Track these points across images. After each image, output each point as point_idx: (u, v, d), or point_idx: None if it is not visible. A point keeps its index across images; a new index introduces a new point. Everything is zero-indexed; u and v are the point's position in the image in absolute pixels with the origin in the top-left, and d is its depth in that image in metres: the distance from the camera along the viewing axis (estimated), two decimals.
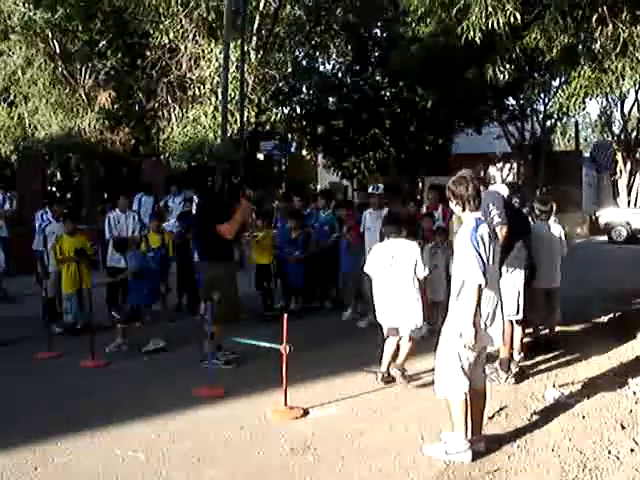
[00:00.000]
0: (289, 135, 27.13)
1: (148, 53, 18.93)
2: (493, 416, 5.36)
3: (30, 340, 8.27)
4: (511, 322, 6.49)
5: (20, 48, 18.48)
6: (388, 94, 25.96)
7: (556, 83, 22.55)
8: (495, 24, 8.05)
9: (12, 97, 19.81)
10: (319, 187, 30.14)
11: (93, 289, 8.66)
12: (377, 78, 26.04)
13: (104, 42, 19.53)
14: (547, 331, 7.72)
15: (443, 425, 4.81)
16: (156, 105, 19.76)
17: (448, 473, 4.37)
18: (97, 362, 7.15)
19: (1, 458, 4.66)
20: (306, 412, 5.55)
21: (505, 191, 7.03)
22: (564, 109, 13.76)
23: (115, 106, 19.20)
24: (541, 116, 30.13)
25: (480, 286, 4.40)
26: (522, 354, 6.97)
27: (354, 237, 9.51)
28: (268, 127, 22.92)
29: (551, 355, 7.25)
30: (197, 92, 18.52)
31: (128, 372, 6.98)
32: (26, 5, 17.57)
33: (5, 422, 5.41)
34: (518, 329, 6.75)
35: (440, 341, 4.68)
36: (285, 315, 5.61)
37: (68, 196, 24.12)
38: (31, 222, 10.56)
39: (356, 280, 9.70)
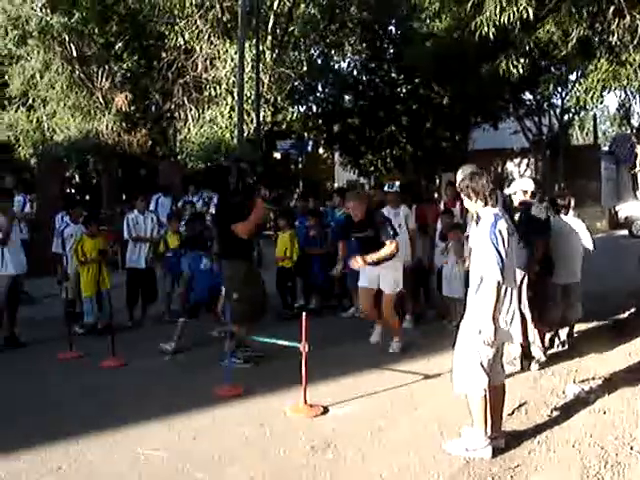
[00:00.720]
0: (305, 134, 27.18)
1: (164, 55, 19.05)
2: (513, 412, 5.35)
3: (52, 341, 8.35)
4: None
5: (38, 52, 18.65)
6: (404, 91, 25.94)
7: (573, 77, 22.38)
8: (508, 19, 8.03)
9: (31, 101, 20.00)
10: (336, 185, 30.13)
11: (113, 290, 8.76)
12: (392, 75, 26.04)
13: (120, 44, 19.69)
14: (566, 327, 7.67)
15: (462, 421, 4.80)
16: (172, 106, 19.88)
17: (468, 469, 4.37)
18: (117, 362, 7.22)
19: (24, 457, 4.73)
20: (326, 410, 5.56)
21: (531, 186, 6.99)
22: (582, 103, 13.66)
23: (132, 108, 19.33)
24: (558, 110, 29.91)
25: (499, 283, 4.39)
26: (542, 350, 6.95)
27: None
28: (284, 126, 23.00)
29: (570, 351, 7.21)
30: (213, 92, 18.61)
31: (148, 371, 7.03)
32: (43, 10, 17.75)
33: (26, 422, 5.47)
34: (530, 325, 6.72)
35: (458, 337, 4.67)
36: (304, 314, 5.62)
37: (86, 198, 24.33)
38: (51, 224, 10.66)
39: None
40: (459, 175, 6.29)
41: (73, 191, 25.48)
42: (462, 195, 4.78)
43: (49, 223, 10.82)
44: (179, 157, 19.43)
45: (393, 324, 7.68)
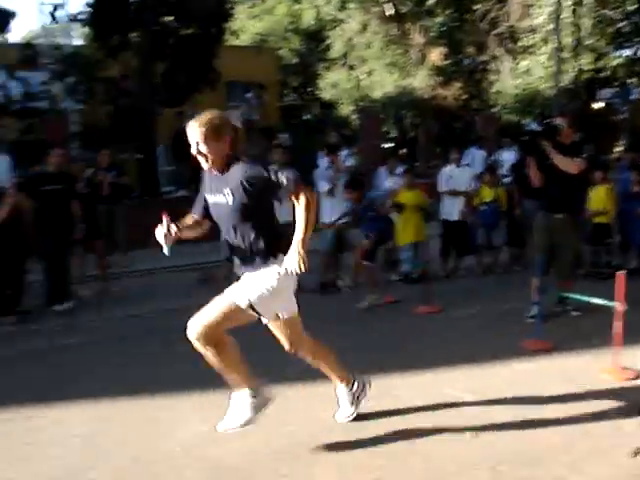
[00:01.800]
0: (630, 80, 25.07)
1: (477, 6, 18.93)
2: None
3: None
4: None
5: (356, 15, 19.77)
6: None
7: None
8: None
9: (350, 61, 21.33)
10: None
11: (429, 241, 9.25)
12: None
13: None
14: None
15: None
16: (486, 58, 19.74)
17: None
18: (433, 308, 7.64)
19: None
20: (638, 375, 5.34)
21: None
22: None
23: (446, 62, 19.61)
24: None
25: None
26: None
27: None
28: (607, 73, 21.44)
29: None
30: (528, 42, 18.09)
31: (460, 319, 7.33)
32: None
33: (349, 356, 6.03)
34: None
35: None
36: (622, 272, 5.40)
37: (403, 151, 25.34)
38: (371, 177, 11.39)
39: None
40: None
41: (391, 145, 26.64)
42: None
43: (369, 176, 11.55)
44: (493, 110, 19.32)
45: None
